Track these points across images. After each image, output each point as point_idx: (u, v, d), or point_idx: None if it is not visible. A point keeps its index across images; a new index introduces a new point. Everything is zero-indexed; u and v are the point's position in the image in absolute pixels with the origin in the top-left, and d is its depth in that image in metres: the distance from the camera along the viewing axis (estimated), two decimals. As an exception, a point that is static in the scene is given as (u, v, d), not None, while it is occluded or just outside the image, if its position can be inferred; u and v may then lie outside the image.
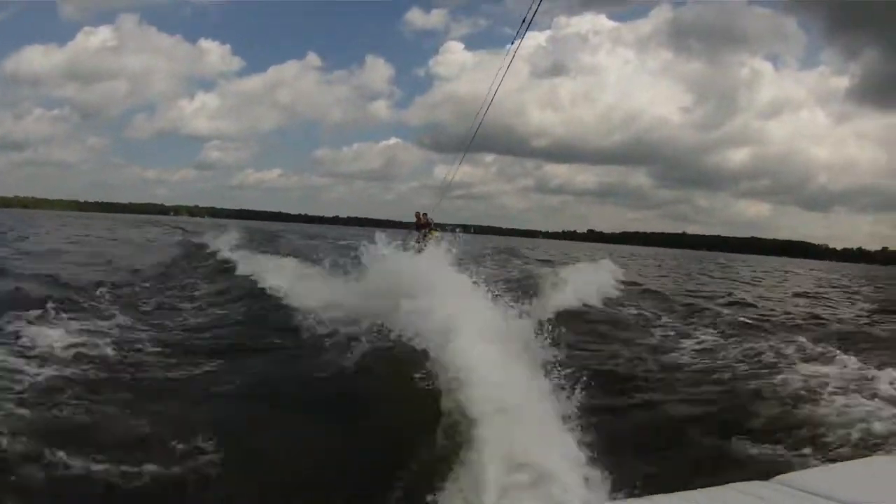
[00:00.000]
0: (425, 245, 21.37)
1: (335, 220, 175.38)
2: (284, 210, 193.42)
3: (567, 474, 3.56)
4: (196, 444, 4.34)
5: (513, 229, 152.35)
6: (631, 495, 3.39)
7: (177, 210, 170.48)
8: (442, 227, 23.13)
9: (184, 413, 4.95)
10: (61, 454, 3.89)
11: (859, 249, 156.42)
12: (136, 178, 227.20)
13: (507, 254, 30.83)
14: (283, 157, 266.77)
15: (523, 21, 7.14)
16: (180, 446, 4.28)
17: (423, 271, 6.24)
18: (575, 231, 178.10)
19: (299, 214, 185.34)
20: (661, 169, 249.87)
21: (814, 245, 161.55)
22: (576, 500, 3.38)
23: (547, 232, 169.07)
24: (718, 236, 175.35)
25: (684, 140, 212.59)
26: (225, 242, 18.49)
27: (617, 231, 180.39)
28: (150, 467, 3.97)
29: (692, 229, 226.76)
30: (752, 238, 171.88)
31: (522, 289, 11.16)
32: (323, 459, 4.36)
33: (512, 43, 7.75)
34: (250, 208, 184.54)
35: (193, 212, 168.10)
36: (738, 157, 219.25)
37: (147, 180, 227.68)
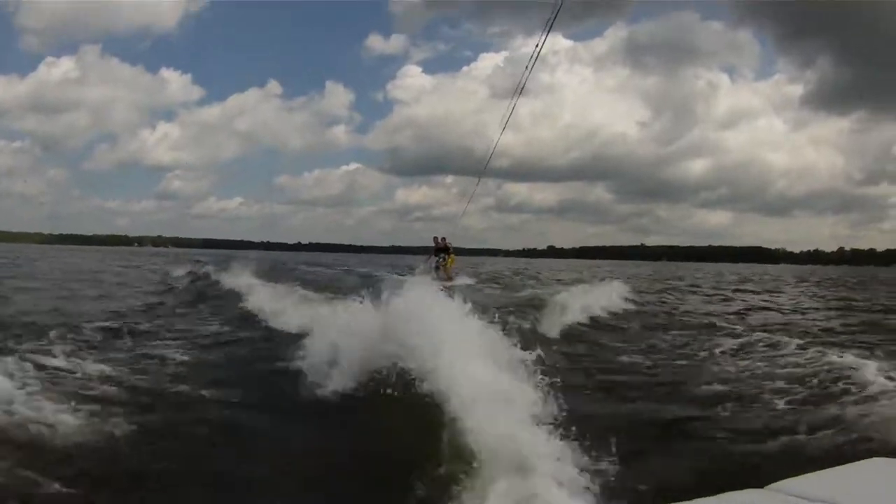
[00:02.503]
0: (448, 274, 22.22)
1: (297, 247, 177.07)
2: (247, 238, 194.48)
3: (560, 482, 3.60)
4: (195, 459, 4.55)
5: (473, 249, 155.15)
6: None
7: (140, 241, 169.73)
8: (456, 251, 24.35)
9: (182, 428, 5.15)
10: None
11: (816, 251, 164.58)
12: (98, 209, 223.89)
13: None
14: (244, 186, 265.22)
15: (537, 45, 7.32)
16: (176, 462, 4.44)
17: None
18: (535, 248, 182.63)
19: (262, 242, 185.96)
20: (621, 183, 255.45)
21: (770, 250, 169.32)
22: None
23: (507, 250, 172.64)
24: (676, 246, 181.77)
25: (643, 154, 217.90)
26: None
27: (577, 246, 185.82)
28: (155, 469, 4.25)
29: (653, 240, 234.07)
30: (709, 247, 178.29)
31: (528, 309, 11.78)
32: (323, 474, 4.48)
33: (526, 69, 7.80)
34: (213, 237, 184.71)
35: (157, 242, 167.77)
36: (697, 167, 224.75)
37: (109, 211, 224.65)
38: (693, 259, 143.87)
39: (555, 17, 6.71)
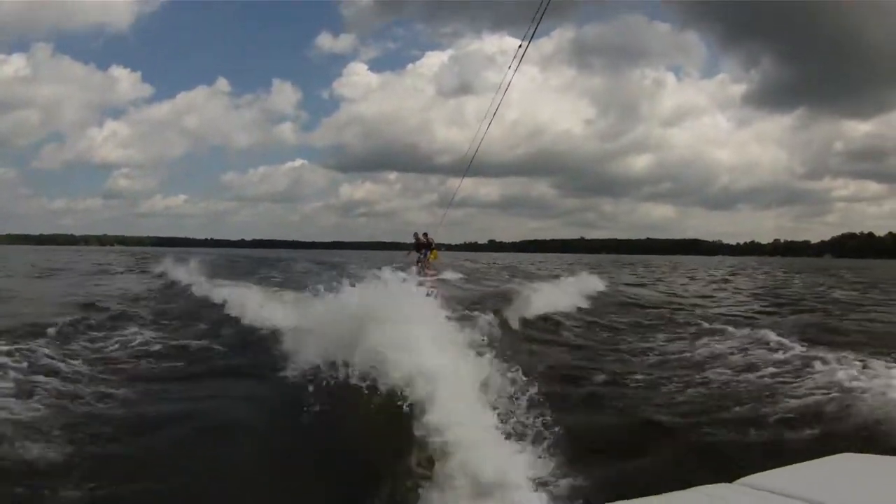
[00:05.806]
0: (431, 269, 21.52)
1: (241, 244, 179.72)
2: (191, 235, 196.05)
3: (525, 484, 3.54)
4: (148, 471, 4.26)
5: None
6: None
7: (87, 240, 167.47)
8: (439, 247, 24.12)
9: (138, 439, 4.82)
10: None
11: (752, 242, 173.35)
12: (44, 209, 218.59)
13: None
14: (189, 183, 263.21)
15: (520, 46, 7.37)
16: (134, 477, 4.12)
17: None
18: (476, 242, 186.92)
19: (206, 239, 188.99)
20: (565, 179, 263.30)
21: (707, 242, 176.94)
22: None
23: (449, 244, 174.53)
24: (615, 239, 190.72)
25: (588, 150, 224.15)
26: None
27: (517, 240, 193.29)
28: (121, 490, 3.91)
29: (596, 234, 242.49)
30: (648, 239, 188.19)
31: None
32: (288, 485, 4.22)
33: (510, 66, 7.82)
34: (158, 235, 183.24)
35: (103, 241, 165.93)
36: (641, 163, 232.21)
37: (54, 211, 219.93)
38: (637, 251, 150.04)
39: (542, 14, 6.74)
